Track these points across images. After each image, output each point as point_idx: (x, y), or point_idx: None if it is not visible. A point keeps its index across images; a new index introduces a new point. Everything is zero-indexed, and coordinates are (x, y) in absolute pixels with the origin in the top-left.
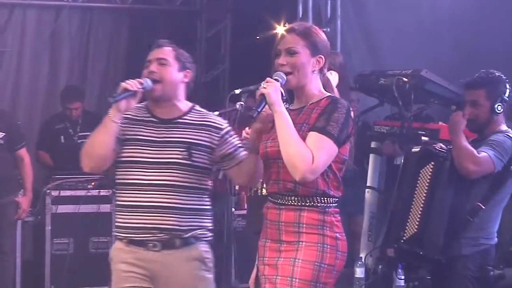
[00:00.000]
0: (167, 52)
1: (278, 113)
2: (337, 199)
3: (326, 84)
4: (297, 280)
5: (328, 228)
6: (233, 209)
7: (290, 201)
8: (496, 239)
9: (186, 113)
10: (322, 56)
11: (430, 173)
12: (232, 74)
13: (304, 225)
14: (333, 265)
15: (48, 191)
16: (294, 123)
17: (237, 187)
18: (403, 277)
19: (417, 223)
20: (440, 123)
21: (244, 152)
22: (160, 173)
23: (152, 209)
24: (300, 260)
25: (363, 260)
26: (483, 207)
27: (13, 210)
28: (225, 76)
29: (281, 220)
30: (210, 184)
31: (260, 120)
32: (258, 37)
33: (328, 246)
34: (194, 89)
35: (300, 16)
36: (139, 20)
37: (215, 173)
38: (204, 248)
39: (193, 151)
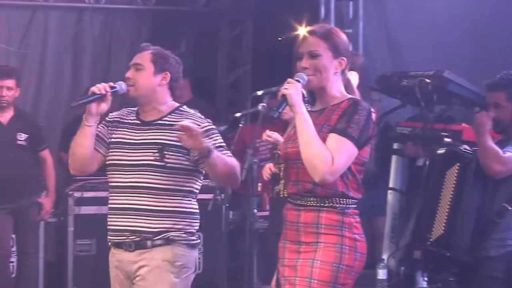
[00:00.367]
0: (145, 56)
1: (299, 114)
2: (356, 201)
3: (348, 86)
4: (315, 281)
5: (347, 229)
6: (255, 210)
7: (309, 202)
8: None
9: (167, 115)
10: (344, 58)
11: (456, 175)
12: (254, 75)
13: (323, 226)
14: (352, 266)
15: (71, 192)
16: (314, 125)
17: (259, 188)
18: (426, 278)
19: (443, 224)
20: (463, 124)
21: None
22: (134, 175)
23: (126, 211)
24: (319, 261)
25: (385, 261)
26: (510, 208)
27: (36, 211)
28: (247, 77)
29: (300, 221)
30: (195, 185)
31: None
32: (280, 38)
33: (347, 247)
34: (216, 90)
35: (322, 17)
36: (161, 21)
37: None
38: (176, 251)
39: (167, 152)
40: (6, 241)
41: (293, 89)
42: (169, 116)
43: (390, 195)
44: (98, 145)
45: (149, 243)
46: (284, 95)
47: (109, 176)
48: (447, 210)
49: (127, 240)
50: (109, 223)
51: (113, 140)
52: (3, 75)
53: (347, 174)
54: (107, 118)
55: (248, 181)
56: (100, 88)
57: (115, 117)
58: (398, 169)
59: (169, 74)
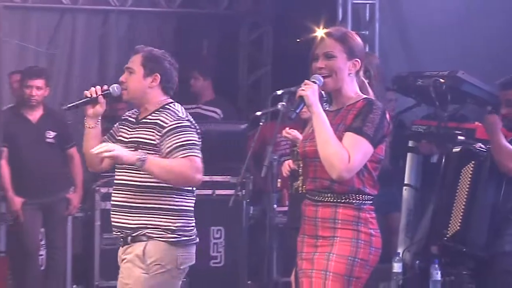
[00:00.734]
0: (136, 59)
1: (316, 114)
2: (372, 197)
3: (362, 86)
4: (331, 273)
5: (362, 224)
6: (274, 206)
7: (326, 198)
8: None
9: (151, 113)
10: (358, 60)
11: (471, 172)
12: (274, 76)
13: (340, 221)
14: (367, 260)
15: (98, 188)
16: (331, 124)
17: (279, 184)
18: (440, 272)
19: (459, 220)
20: (476, 123)
21: (181, 153)
22: (122, 173)
23: (115, 207)
24: (335, 255)
25: (400, 255)
26: None
27: (64, 206)
28: (267, 78)
29: (318, 216)
30: None
31: None
32: (298, 40)
33: (362, 242)
34: (238, 90)
35: (340, 19)
36: (184, 24)
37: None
38: (150, 247)
39: (141, 150)
40: (36, 235)
41: (310, 90)
42: (152, 114)
43: (405, 191)
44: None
45: (129, 239)
46: (301, 96)
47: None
48: (463, 207)
49: (117, 235)
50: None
51: (117, 138)
52: (33, 75)
53: (363, 171)
54: (122, 117)
55: (268, 178)
56: (92, 91)
57: (125, 116)
58: (413, 166)
59: (159, 76)
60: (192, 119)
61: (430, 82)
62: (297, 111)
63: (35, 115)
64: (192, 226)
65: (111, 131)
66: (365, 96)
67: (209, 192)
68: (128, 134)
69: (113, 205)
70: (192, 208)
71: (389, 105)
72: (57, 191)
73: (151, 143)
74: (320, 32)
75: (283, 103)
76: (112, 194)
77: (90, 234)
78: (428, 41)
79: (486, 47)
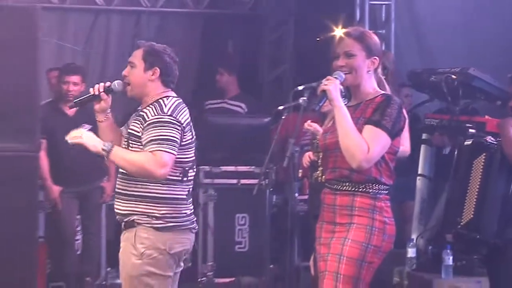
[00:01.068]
0: (137, 54)
1: (338, 108)
2: (388, 187)
3: (380, 82)
4: (344, 257)
5: (378, 213)
6: (296, 194)
7: (345, 187)
8: None
9: (146, 106)
10: (376, 58)
11: (482, 164)
12: (295, 73)
13: (357, 209)
14: (379, 247)
15: None
16: (351, 117)
17: (300, 174)
18: (451, 257)
19: (473, 209)
20: (486, 116)
21: (150, 148)
22: None
23: (115, 195)
24: (350, 240)
25: (414, 241)
26: None
27: (98, 195)
28: (288, 75)
29: (336, 204)
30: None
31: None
32: (318, 39)
33: (376, 229)
34: (261, 85)
35: (358, 19)
36: (211, 24)
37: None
38: (140, 233)
39: (131, 141)
40: (72, 222)
41: (332, 85)
42: (146, 107)
43: (419, 181)
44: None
45: (123, 224)
46: (324, 91)
47: None
48: (475, 196)
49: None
50: None
51: (128, 130)
52: (70, 71)
53: (381, 162)
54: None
55: (289, 168)
56: (95, 88)
57: (138, 108)
58: (426, 157)
59: (158, 70)
60: (178, 115)
61: (443, 78)
62: (320, 104)
63: (71, 110)
64: (184, 213)
65: (128, 122)
66: (383, 92)
67: (235, 181)
68: (129, 126)
69: (115, 193)
70: (184, 197)
71: (405, 100)
72: (92, 180)
73: (137, 135)
74: (338, 32)
75: (304, 98)
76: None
77: None
78: (440, 40)
79: (496, 44)
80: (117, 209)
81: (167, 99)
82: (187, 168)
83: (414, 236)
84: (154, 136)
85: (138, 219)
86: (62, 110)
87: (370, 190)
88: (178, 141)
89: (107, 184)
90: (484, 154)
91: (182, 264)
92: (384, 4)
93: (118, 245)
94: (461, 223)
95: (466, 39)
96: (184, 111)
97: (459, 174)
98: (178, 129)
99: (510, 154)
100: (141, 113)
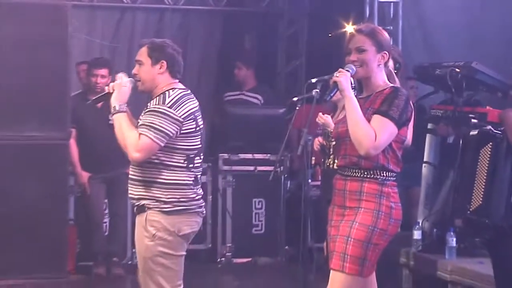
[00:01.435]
0: (142, 52)
1: (348, 98)
2: (395, 174)
3: (390, 75)
4: (352, 239)
5: (385, 198)
6: (309, 180)
7: (354, 173)
8: None
9: (153, 98)
10: (386, 52)
11: (489, 152)
12: (308, 66)
13: (365, 194)
14: (385, 230)
15: None
16: (361, 108)
17: (312, 161)
18: (455, 239)
19: (481, 196)
20: (488, 107)
21: (139, 130)
22: None
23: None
24: (357, 223)
25: (420, 224)
26: None
27: (125, 180)
28: (302, 68)
29: (346, 189)
30: (172, 159)
31: None
32: (330, 35)
33: (383, 213)
34: (276, 78)
35: (367, 16)
36: (230, 20)
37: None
38: (150, 217)
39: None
40: (100, 205)
41: (343, 77)
42: (153, 99)
43: (425, 168)
44: None
45: (135, 208)
46: (335, 82)
47: None
48: (483, 184)
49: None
50: None
51: None
52: (98, 65)
53: (388, 150)
54: None
55: (303, 156)
56: (110, 86)
57: None
58: (431, 146)
59: (165, 62)
60: (178, 108)
61: (447, 71)
62: (331, 94)
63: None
64: (191, 198)
65: None
66: (392, 84)
67: (252, 168)
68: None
69: (129, 180)
70: (190, 182)
71: (410, 92)
72: (118, 166)
73: (149, 124)
74: (349, 28)
75: (317, 90)
76: None
77: None
78: (445, 35)
79: (497, 41)
80: (130, 193)
81: (173, 90)
82: (191, 155)
83: (420, 220)
84: (147, 122)
85: (148, 204)
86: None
87: (378, 177)
88: (169, 132)
89: None
90: (490, 143)
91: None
92: (392, 2)
93: None
94: (470, 209)
95: (469, 36)
96: (188, 102)
97: (467, 163)
98: (172, 121)
99: None
100: (148, 104)
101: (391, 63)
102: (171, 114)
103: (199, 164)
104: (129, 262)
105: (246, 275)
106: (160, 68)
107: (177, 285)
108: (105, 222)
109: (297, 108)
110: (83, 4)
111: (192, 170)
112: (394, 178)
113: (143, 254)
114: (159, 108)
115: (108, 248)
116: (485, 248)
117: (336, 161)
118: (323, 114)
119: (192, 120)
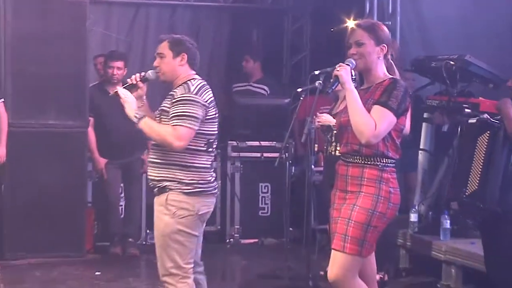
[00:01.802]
0: (163, 46)
1: (349, 91)
2: (394, 160)
3: (390, 68)
4: (352, 221)
5: (384, 183)
6: (312, 166)
7: (356, 160)
8: None
9: (176, 87)
10: (385, 45)
11: (487, 140)
12: (312, 59)
13: (365, 179)
14: (384, 213)
15: None
16: (362, 99)
17: (315, 149)
18: (449, 221)
19: (477, 181)
20: (480, 98)
21: (172, 122)
22: None
23: (148, 164)
24: (358, 206)
25: (416, 208)
26: None
27: (139, 165)
28: (306, 61)
29: (348, 174)
30: (191, 143)
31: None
32: (332, 30)
33: (382, 198)
34: (282, 70)
35: (367, 12)
36: (238, 16)
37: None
38: (171, 197)
39: (162, 117)
40: (116, 189)
41: (343, 71)
42: (176, 88)
43: (421, 155)
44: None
45: (156, 190)
46: (336, 76)
47: None
48: (480, 170)
49: (152, 187)
50: None
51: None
52: (115, 57)
53: (387, 138)
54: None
55: (307, 143)
56: (132, 78)
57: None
58: (427, 134)
59: (186, 55)
60: (202, 94)
61: (442, 64)
62: (333, 87)
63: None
64: (207, 180)
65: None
66: (391, 76)
67: (258, 155)
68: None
69: (148, 162)
70: (208, 165)
71: (407, 83)
72: (133, 153)
73: (167, 111)
74: (350, 23)
75: (320, 81)
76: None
77: None
78: (441, 30)
79: (490, 35)
80: (151, 175)
81: (194, 80)
82: (211, 140)
83: (416, 203)
84: (178, 112)
85: (170, 185)
86: (107, 91)
87: (378, 163)
88: (200, 117)
89: (147, 156)
90: (488, 132)
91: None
92: None
93: None
94: (466, 193)
95: (464, 31)
96: (208, 91)
97: (464, 149)
98: (200, 106)
99: None
100: (172, 92)
101: (390, 56)
102: (198, 100)
103: (214, 149)
104: (144, 243)
105: (253, 255)
106: (181, 60)
107: (189, 262)
108: (121, 205)
109: (301, 98)
110: (100, 0)
111: (211, 154)
112: (394, 165)
113: (162, 230)
114: (187, 96)
115: (123, 229)
116: (477, 230)
117: (338, 148)
118: (325, 104)
119: (213, 107)
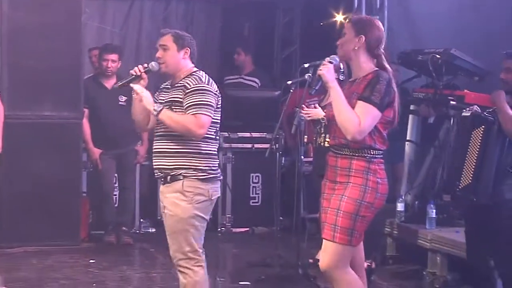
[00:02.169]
0: (167, 38)
1: (332, 88)
2: (382, 151)
3: (379, 61)
4: (341, 212)
5: (372, 174)
6: (302, 157)
7: (344, 152)
8: None
9: (183, 78)
10: (362, 36)
11: (481, 135)
12: (302, 52)
13: (353, 171)
14: (372, 203)
15: None
16: (348, 92)
17: (305, 140)
18: (434, 210)
19: (471, 175)
20: (465, 90)
21: (191, 111)
22: (161, 127)
23: (156, 154)
24: (346, 197)
25: (403, 197)
26: None
27: (133, 156)
28: (296, 54)
29: (337, 165)
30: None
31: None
32: (322, 24)
33: (370, 188)
34: (272, 63)
35: (356, 7)
36: (229, 10)
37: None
38: (187, 183)
39: (174, 107)
40: (111, 179)
41: (325, 69)
42: (183, 79)
43: (407, 146)
44: None
45: (168, 178)
46: (319, 75)
47: (155, 128)
48: (473, 164)
49: (159, 175)
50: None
51: (158, 102)
52: (109, 50)
53: (374, 131)
54: (160, 87)
55: (296, 134)
56: (136, 70)
57: (162, 86)
58: (414, 125)
59: (189, 50)
60: (212, 84)
61: (429, 57)
62: (316, 87)
63: (110, 83)
64: (216, 166)
65: (156, 96)
66: (376, 69)
67: (250, 146)
68: (165, 97)
69: (155, 152)
70: (216, 152)
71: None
72: (128, 144)
73: (179, 101)
74: (339, 17)
75: (309, 74)
76: (154, 144)
77: (154, 178)
78: (427, 24)
79: (475, 29)
80: (162, 165)
81: (200, 72)
82: (218, 128)
83: (403, 193)
84: (195, 101)
85: (186, 172)
86: (102, 83)
87: (366, 155)
88: (214, 105)
89: (140, 147)
90: (483, 126)
91: None
92: None
93: (151, 200)
94: (460, 187)
95: (450, 25)
96: (214, 82)
97: (458, 143)
98: (213, 95)
99: (507, 128)
100: (179, 84)
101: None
102: (211, 90)
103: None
104: (137, 231)
105: (244, 243)
106: (184, 54)
107: (201, 247)
108: (115, 195)
109: (291, 90)
110: None
111: (217, 141)
112: (381, 156)
113: (179, 216)
114: (201, 86)
115: (117, 218)
116: (461, 219)
117: (327, 139)
118: (314, 96)
119: (219, 96)
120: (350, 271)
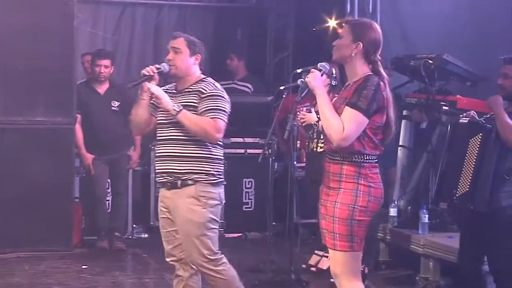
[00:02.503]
0: (180, 42)
1: (318, 95)
2: (373, 156)
3: (374, 66)
4: (337, 219)
5: (362, 178)
6: (295, 162)
7: (335, 157)
8: None
9: (192, 84)
10: (360, 43)
11: (479, 142)
12: (295, 58)
13: (344, 176)
14: (366, 207)
15: (153, 146)
16: (340, 97)
17: (298, 145)
18: (427, 215)
19: (468, 183)
20: (458, 95)
21: (210, 115)
22: (170, 130)
23: (164, 157)
24: (339, 203)
25: (396, 202)
26: None
27: (126, 161)
28: (289, 59)
29: (330, 171)
30: None
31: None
32: (314, 29)
33: (361, 192)
34: (265, 68)
35: (348, 12)
36: (223, 15)
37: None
38: (200, 188)
39: (188, 111)
40: (103, 185)
41: (311, 77)
42: (193, 85)
43: (400, 151)
44: (153, 111)
45: (179, 182)
46: (306, 82)
47: (157, 131)
48: (471, 172)
49: (166, 180)
50: (156, 167)
51: (159, 105)
52: (101, 56)
53: (363, 136)
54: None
55: (289, 139)
56: (149, 70)
57: (164, 89)
58: (406, 131)
59: (200, 56)
60: (223, 91)
61: (421, 62)
62: (302, 95)
63: (103, 88)
64: (222, 171)
65: (152, 101)
66: (368, 74)
67: (242, 151)
68: (174, 100)
69: (162, 156)
70: (223, 157)
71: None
72: (120, 149)
73: (193, 105)
74: (332, 23)
75: (302, 79)
76: (159, 148)
77: (147, 184)
78: (420, 29)
79: (468, 34)
80: (172, 169)
81: (210, 78)
82: (225, 134)
83: (395, 198)
84: (213, 105)
85: (198, 177)
86: (94, 89)
87: (356, 160)
88: (228, 111)
89: (133, 153)
90: (480, 134)
91: None
92: None
93: (143, 204)
94: (457, 195)
95: (443, 29)
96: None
97: (455, 150)
98: (227, 101)
99: (505, 136)
100: (192, 88)
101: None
102: (225, 96)
103: None
104: (130, 237)
105: (237, 248)
106: (195, 60)
107: (217, 247)
108: (108, 200)
109: (284, 95)
110: None
111: (223, 146)
112: (375, 160)
113: (195, 221)
114: (218, 92)
115: (110, 224)
116: (454, 224)
117: (320, 144)
118: (305, 101)
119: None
120: (358, 280)
